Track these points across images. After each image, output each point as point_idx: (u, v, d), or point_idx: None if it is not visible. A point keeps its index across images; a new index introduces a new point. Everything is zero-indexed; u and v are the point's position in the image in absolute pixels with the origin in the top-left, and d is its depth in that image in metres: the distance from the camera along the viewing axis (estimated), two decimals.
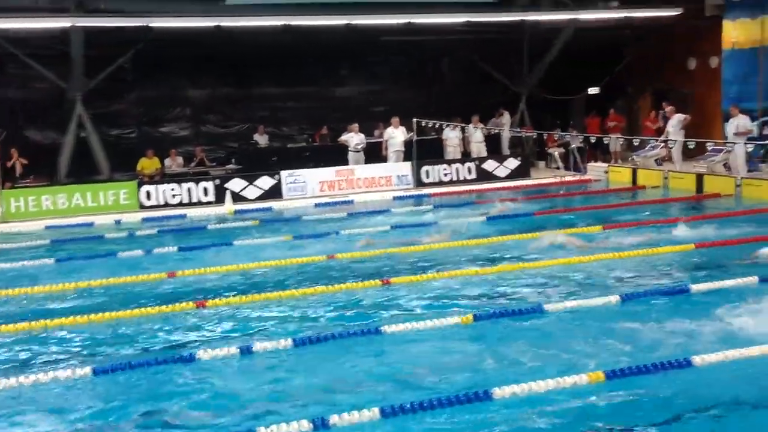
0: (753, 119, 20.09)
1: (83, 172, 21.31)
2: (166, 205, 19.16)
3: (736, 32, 21.22)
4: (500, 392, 6.28)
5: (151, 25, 20.03)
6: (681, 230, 12.88)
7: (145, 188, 19.30)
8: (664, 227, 13.40)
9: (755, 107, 20.61)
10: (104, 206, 18.75)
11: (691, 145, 19.18)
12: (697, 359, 6.83)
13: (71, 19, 19.05)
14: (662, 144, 20.71)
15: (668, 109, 21.32)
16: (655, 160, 21.19)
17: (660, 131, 22.61)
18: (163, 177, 21.26)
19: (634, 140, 20.62)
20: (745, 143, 18.26)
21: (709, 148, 19.26)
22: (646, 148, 21.64)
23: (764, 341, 7.16)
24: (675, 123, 20.57)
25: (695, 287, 9.28)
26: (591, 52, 25.48)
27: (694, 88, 24.35)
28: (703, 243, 11.84)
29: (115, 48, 21.11)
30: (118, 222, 17.24)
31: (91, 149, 21.41)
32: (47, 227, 16.74)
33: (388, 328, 8.11)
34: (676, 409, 6.12)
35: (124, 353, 7.92)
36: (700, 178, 18.34)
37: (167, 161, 22.26)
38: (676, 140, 19.77)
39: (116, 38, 20.75)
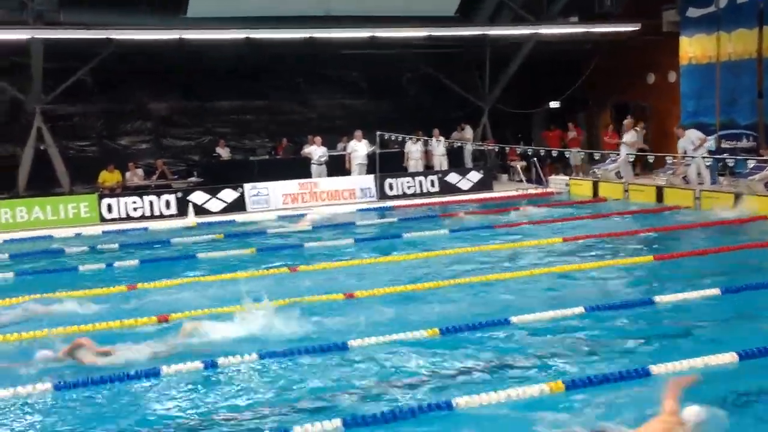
0: (710, 134, 20.39)
1: (43, 185, 21.06)
2: (128, 218, 19.01)
3: (692, 48, 21.59)
4: (462, 402, 6.32)
5: (111, 37, 19.88)
6: None
7: (105, 201, 19.13)
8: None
9: (713, 122, 20.96)
10: (65, 219, 18.56)
11: (651, 159, 19.49)
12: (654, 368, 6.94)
13: (30, 32, 18.84)
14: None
15: (626, 122, 21.67)
16: (616, 173, 21.48)
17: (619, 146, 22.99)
18: (124, 190, 21.07)
19: (594, 154, 20.92)
20: (704, 157, 18.55)
21: (669, 161, 19.55)
22: (607, 162, 21.94)
23: None
24: (627, 138, 21.04)
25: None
26: (552, 67, 25.79)
27: (653, 102, 24.74)
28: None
29: (74, 60, 20.92)
30: (78, 235, 17.05)
31: (51, 162, 21.16)
32: (6, 241, 16.52)
33: (354, 342, 8.11)
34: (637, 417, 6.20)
35: (85, 368, 7.82)
36: (660, 190, 18.62)
37: (127, 174, 22.08)
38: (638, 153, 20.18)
39: (76, 51, 20.55)
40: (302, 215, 18.25)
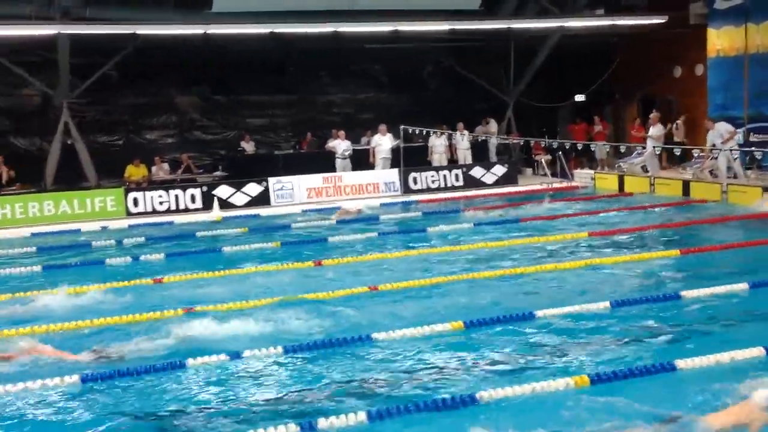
0: (738, 127, 20.17)
1: (70, 179, 21.24)
2: (154, 212, 19.14)
3: (720, 40, 21.36)
4: (486, 395, 6.31)
5: (136, 32, 20.00)
6: None
7: (132, 195, 19.28)
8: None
9: (741, 114, 20.74)
10: (91, 213, 18.72)
11: (677, 152, 19.32)
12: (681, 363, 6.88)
13: (57, 27, 18.99)
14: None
15: (652, 115, 21.53)
16: (642, 167, 21.33)
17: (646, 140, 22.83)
18: (150, 184, 21.20)
19: (620, 147, 20.82)
20: (732, 150, 18.36)
21: (696, 155, 19.40)
22: (633, 155, 21.78)
23: None
24: (653, 132, 20.94)
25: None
26: (577, 60, 25.61)
27: (680, 95, 24.51)
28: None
29: (101, 55, 21.06)
30: (104, 229, 17.19)
31: (78, 156, 21.32)
32: (33, 234, 16.68)
33: (378, 335, 8.11)
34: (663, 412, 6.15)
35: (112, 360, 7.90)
36: (686, 184, 18.46)
37: (153, 168, 22.21)
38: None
39: (102, 46, 20.70)
40: (337, 208, 18.25)
